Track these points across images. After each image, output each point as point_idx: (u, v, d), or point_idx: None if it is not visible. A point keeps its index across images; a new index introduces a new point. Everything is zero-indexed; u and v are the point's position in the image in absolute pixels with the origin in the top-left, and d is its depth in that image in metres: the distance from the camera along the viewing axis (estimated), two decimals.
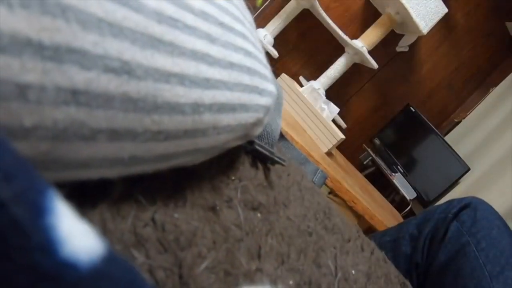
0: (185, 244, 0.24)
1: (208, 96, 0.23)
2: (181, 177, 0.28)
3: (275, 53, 1.75)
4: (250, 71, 0.29)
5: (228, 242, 0.28)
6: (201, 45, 0.23)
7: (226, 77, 0.25)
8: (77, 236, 0.10)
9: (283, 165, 0.43)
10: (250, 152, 0.40)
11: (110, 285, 0.12)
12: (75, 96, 0.16)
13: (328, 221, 0.47)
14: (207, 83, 0.23)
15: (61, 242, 0.10)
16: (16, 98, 0.14)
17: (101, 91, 0.17)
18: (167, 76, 0.20)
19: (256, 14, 1.92)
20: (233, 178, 0.35)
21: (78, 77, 0.16)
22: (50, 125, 0.15)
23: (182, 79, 0.21)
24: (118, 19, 0.17)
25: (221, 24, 0.26)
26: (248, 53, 0.29)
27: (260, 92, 0.30)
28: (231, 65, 0.26)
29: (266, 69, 0.34)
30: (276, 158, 0.42)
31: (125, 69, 0.17)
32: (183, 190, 0.28)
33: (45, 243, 0.09)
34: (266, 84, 0.32)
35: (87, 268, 0.10)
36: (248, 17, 0.35)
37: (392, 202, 2.11)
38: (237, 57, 0.27)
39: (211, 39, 0.24)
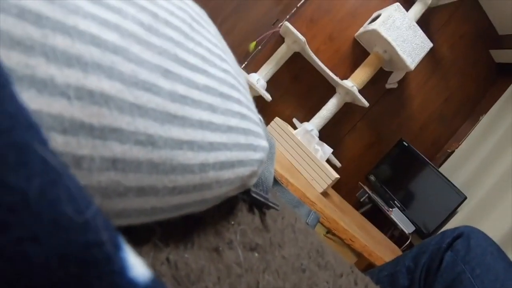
0: (194, 279, 0.28)
1: (212, 157, 0.28)
2: (189, 223, 0.33)
3: (268, 97, 1.78)
4: (245, 131, 0.34)
5: (230, 278, 0.31)
6: (205, 116, 0.28)
7: (226, 139, 0.30)
8: (136, 264, 0.15)
9: (277, 209, 0.47)
10: (247, 199, 0.44)
11: None
12: (114, 164, 0.20)
13: (321, 259, 0.51)
14: (211, 146, 0.28)
15: (129, 268, 0.15)
16: (73, 166, 0.18)
17: (133, 159, 0.21)
18: (180, 144, 0.25)
19: (248, 59, 1.96)
20: (232, 222, 0.39)
21: (117, 149, 0.20)
22: (95, 185, 0.20)
23: (191, 145, 0.26)
24: (144, 102, 0.22)
25: (221, 95, 0.31)
26: (243, 116, 0.34)
27: (254, 148, 0.35)
28: (229, 129, 0.31)
29: (258, 127, 0.39)
30: (270, 204, 0.45)
31: (150, 141, 0.22)
32: (191, 234, 0.32)
33: (122, 269, 0.14)
34: (259, 141, 0.37)
35: (144, 286, 0.15)
36: (242, 81, 0.40)
37: (391, 237, 2.09)
38: (234, 121, 0.32)
39: (213, 109, 0.29)
